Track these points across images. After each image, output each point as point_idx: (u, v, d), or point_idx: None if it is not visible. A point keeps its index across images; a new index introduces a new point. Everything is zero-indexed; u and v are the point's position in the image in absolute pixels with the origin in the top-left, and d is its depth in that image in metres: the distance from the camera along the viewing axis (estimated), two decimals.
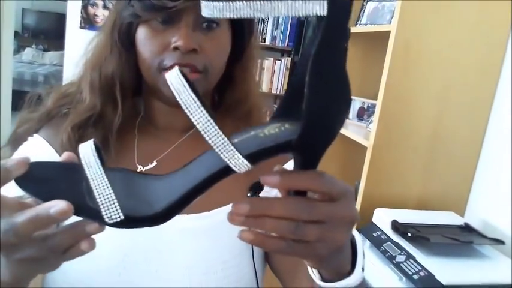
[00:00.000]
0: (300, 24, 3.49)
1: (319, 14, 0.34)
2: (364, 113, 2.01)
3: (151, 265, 0.65)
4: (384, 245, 1.31)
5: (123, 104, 0.71)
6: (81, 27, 3.44)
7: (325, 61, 0.36)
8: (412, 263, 1.21)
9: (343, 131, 1.87)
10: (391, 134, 1.54)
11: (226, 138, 0.38)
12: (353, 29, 1.96)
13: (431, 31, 1.48)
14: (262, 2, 0.35)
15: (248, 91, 0.78)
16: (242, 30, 0.73)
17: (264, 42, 3.46)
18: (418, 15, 1.46)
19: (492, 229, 1.47)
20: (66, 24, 3.48)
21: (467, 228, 1.41)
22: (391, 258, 1.27)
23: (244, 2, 0.35)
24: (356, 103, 2.04)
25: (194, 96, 0.37)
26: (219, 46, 0.69)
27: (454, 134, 1.57)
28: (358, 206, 1.60)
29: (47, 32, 7.25)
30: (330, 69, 0.37)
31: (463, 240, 1.29)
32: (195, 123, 0.37)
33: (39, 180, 0.41)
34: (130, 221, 0.40)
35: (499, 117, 1.53)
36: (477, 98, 1.56)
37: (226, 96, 0.78)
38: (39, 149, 0.70)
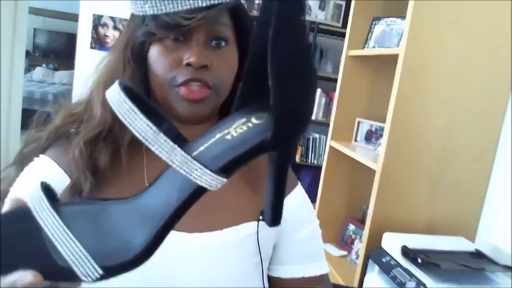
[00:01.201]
0: None
1: None
2: (372, 136, 2.00)
3: (164, 283, 0.65)
4: (393, 271, 1.29)
5: None
6: (91, 48, 3.49)
7: (288, 41, 0.33)
8: None
9: (351, 153, 1.86)
10: (399, 157, 1.53)
11: (185, 154, 0.32)
12: (361, 52, 1.96)
13: (439, 54, 1.48)
14: None
15: None
16: (248, 49, 0.75)
17: None
18: (426, 38, 1.47)
19: (503, 255, 1.44)
20: (77, 44, 3.53)
21: (478, 254, 1.39)
22: (400, 285, 1.25)
23: None
24: (364, 125, 2.03)
25: (134, 107, 0.32)
26: (228, 63, 0.71)
27: (464, 158, 1.56)
28: (366, 229, 1.58)
29: (58, 52, 7.35)
30: (294, 50, 0.33)
31: (474, 267, 1.26)
32: (143, 140, 0.32)
33: None
34: (110, 272, 0.34)
35: (509, 141, 1.52)
36: (486, 122, 1.55)
37: None
38: (46, 169, 0.70)
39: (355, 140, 2.06)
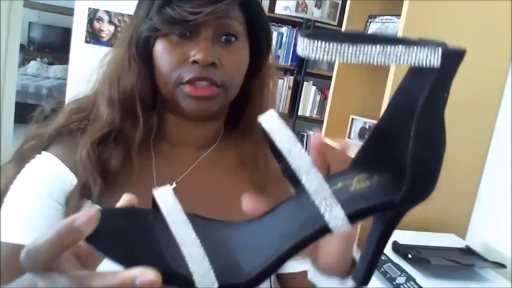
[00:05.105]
0: None
1: (431, 65, 0.35)
2: (365, 133, 2.01)
3: None
4: (384, 266, 1.30)
5: (143, 118, 0.69)
6: (86, 42, 3.47)
7: (432, 113, 0.36)
8: (412, 285, 1.19)
9: None
10: None
11: (330, 190, 0.32)
12: None
13: None
14: (373, 47, 0.32)
15: (266, 109, 0.76)
16: (260, 46, 0.72)
17: None
18: (421, 37, 1.47)
19: (493, 252, 1.45)
20: (72, 39, 3.51)
21: (468, 251, 1.40)
22: (391, 280, 1.26)
23: (353, 46, 0.31)
24: (358, 123, 2.04)
25: (295, 139, 0.33)
26: (238, 60, 0.68)
27: (456, 156, 1.57)
28: (358, 226, 1.58)
29: (52, 46, 7.32)
30: (435, 121, 0.37)
31: (463, 263, 1.28)
32: (296, 169, 0.32)
33: (110, 235, 0.33)
34: None
35: (500, 139, 1.53)
36: (479, 121, 1.56)
37: (243, 114, 0.77)
38: (50, 167, 0.67)
39: (349, 137, 2.07)
